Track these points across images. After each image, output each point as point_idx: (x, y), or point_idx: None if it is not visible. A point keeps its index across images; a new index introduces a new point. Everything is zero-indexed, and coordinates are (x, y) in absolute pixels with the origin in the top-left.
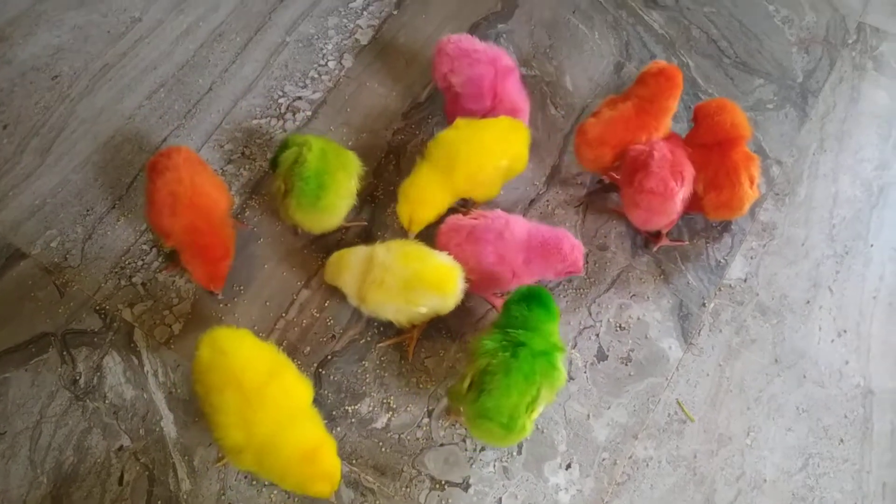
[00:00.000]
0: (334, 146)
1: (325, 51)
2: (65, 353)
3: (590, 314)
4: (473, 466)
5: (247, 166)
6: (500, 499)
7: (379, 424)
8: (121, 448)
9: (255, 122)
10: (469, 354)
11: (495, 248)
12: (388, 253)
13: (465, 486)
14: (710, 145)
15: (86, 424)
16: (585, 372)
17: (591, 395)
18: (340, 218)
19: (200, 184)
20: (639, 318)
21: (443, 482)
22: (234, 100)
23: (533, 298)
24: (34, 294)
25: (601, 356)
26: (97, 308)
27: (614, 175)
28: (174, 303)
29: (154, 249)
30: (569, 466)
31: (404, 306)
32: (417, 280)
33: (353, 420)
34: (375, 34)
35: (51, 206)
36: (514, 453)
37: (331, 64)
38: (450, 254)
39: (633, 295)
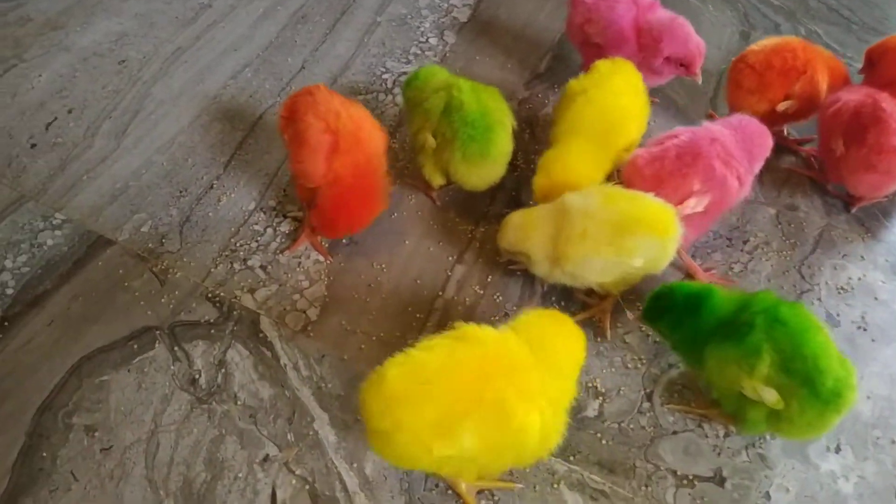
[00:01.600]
0: (479, 84)
1: (422, 28)
2: (176, 348)
3: (803, 277)
4: (722, 456)
5: None
6: (768, 492)
7: (591, 412)
8: (266, 458)
9: (360, 97)
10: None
11: (720, 157)
12: (586, 198)
13: (719, 479)
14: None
15: (216, 432)
16: None
17: None
18: (505, 168)
19: (359, 117)
20: (860, 279)
21: (690, 477)
22: (332, 77)
23: (691, 301)
24: (128, 284)
25: (832, 322)
26: (209, 296)
27: (789, 138)
28: (304, 286)
29: (269, 230)
30: (838, 449)
31: (614, 260)
32: (631, 223)
33: None
34: (473, 11)
35: (135, 189)
36: (767, 437)
37: (432, 41)
38: (662, 192)
39: (844, 255)
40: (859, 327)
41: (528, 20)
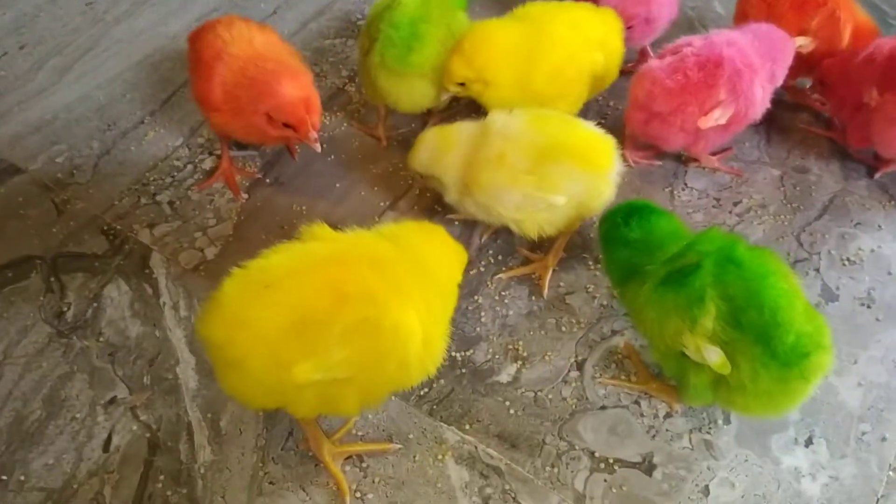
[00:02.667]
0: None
1: None
2: (52, 279)
3: (800, 244)
4: (657, 439)
5: (316, 84)
6: (707, 486)
7: (504, 377)
8: (113, 401)
9: (327, 41)
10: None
11: (742, 61)
12: (510, 117)
13: (647, 466)
14: None
15: (67, 368)
16: None
17: None
18: (433, 94)
19: (267, 42)
20: (873, 251)
21: (610, 461)
22: (303, 22)
23: (641, 209)
24: (23, 212)
25: (829, 296)
26: (105, 228)
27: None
28: (210, 224)
29: (189, 166)
30: (809, 442)
31: (533, 194)
32: (556, 149)
33: (462, 371)
34: None
35: (63, 122)
36: (720, 422)
37: None
38: (687, 106)
39: (858, 223)
40: (863, 304)
41: None
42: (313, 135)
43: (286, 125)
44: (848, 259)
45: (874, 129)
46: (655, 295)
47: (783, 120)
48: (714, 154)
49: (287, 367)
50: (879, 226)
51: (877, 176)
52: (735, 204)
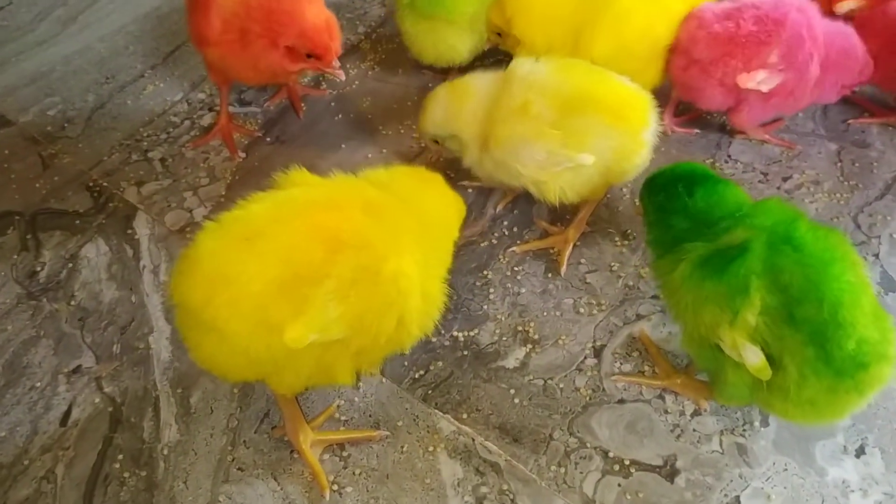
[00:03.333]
0: None
1: None
2: (29, 236)
3: (858, 226)
4: (682, 440)
5: None
6: (738, 498)
7: (510, 362)
8: (77, 370)
9: None
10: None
11: (808, 31)
12: (539, 65)
13: (669, 471)
14: None
15: (33, 332)
16: None
17: None
18: (464, 47)
19: None
20: None
21: (626, 462)
22: None
23: (704, 177)
24: (8, 166)
25: (890, 285)
26: (90, 185)
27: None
28: (202, 183)
29: (187, 122)
30: (861, 452)
31: (557, 151)
32: (586, 101)
33: (465, 353)
34: None
35: (59, 74)
36: (756, 423)
37: None
38: (731, 59)
39: None
40: None
41: None
42: (337, 63)
43: (309, 55)
44: None
45: None
46: (694, 276)
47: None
48: (767, 124)
49: (277, 328)
50: None
51: None
52: (785, 179)
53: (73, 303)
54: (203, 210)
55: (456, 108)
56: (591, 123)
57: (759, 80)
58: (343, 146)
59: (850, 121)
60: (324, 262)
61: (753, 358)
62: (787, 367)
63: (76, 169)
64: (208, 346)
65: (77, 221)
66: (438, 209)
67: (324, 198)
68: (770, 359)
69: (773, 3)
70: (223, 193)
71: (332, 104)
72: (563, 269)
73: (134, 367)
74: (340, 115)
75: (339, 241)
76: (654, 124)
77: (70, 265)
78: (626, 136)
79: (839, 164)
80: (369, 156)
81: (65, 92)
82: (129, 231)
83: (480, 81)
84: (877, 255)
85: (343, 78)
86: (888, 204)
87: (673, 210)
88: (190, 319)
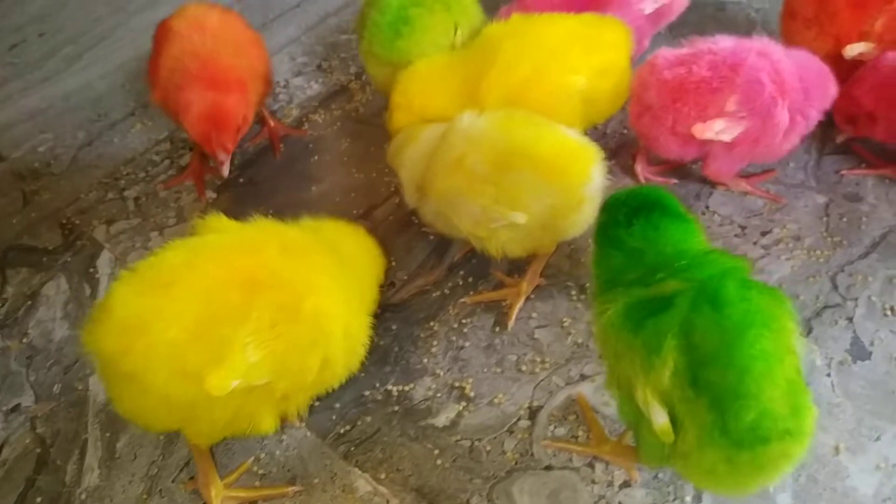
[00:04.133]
0: None
1: None
2: None
3: (835, 287)
4: None
5: (320, 79)
6: None
7: (441, 421)
8: (16, 408)
9: (343, 37)
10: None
11: (770, 75)
12: (481, 118)
13: None
14: None
15: None
16: (829, 375)
17: (840, 414)
18: None
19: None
20: None
21: None
22: (323, 15)
23: (652, 207)
24: None
25: (859, 353)
26: (64, 222)
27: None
28: (169, 223)
29: (167, 161)
30: None
31: (491, 207)
32: (520, 156)
33: (396, 409)
34: None
35: (56, 111)
36: (688, 498)
37: None
38: (683, 107)
39: None
40: None
41: None
42: (221, 156)
43: None
44: (892, 309)
45: None
46: (617, 325)
47: (833, 134)
48: (753, 175)
49: (196, 376)
50: None
51: None
52: (763, 234)
53: (25, 340)
54: None
55: (400, 147)
56: (525, 179)
57: (717, 129)
58: (313, 188)
59: (843, 172)
60: (241, 305)
61: (659, 419)
62: (687, 431)
63: (53, 206)
64: (127, 396)
65: (44, 258)
66: (359, 253)
67: (239, 241)
68: (675, 420)
69: (731, 47)
70: (187, 234)
71: (311, 145)
72: (511, 322)
73: (70, 409)
74: (317, 157)
75: (256, 283)
76: (597, 179)
77: (29, 302)
78: (564, 192)
79: (825, 219)
80: (337, 199)
81: (58, 129)
82: (92, 270)
83: (431, 130)
84: (850, 319)
85: (225, 175)
86: (872, 263)
87: (611, 239)
88: (108, 370)
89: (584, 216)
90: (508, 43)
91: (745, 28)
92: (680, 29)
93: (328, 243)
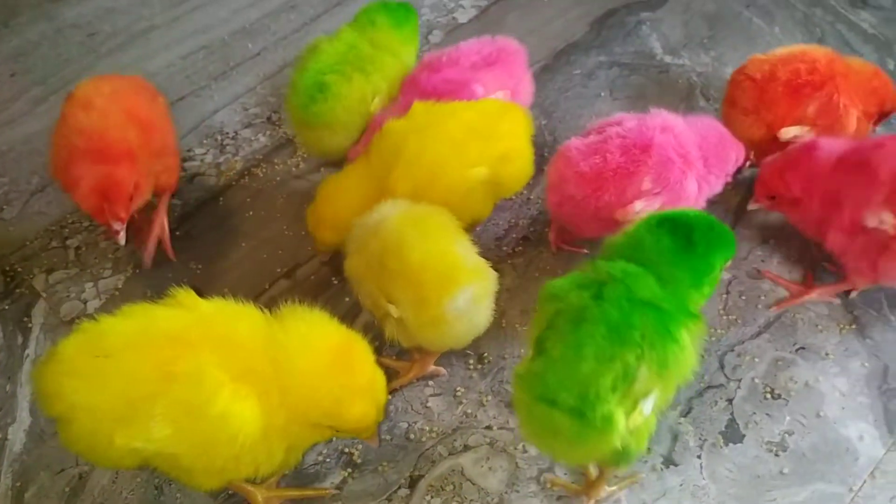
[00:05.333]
0: (387, 43)
1: None
2: None
3: (721, 367)
4: None
5: (267, 132)
6: None
7: (325, 486)
8: None
9: None
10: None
11: (676, 150)
12: (394, 210)
13: None
14: None
15: None
16: (700, 457)
17: (705, 496)
18: (345, 144)
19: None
20: (807, 384)
21: None
22: (281, 65)
23: (680, 226)
24: None
25: (733, 436)
26: (7, 269)
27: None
28: (105, 274)
29: None
30: None
31: (377, 295)
32: (398, 258)
33: (286, 472)
34: (479, 13)
35: (15, 154)
36: None
37: None
38: (604, 195)
39: (801, 348)
40: (771, 450)
41: (536, 27)
42: (116, 226)
43: None
44: (772, 392)
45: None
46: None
47: (754, 215)
48: None
49: (108, 435)
50: (827, 353)
51: (853, 295)
52: None
53: None
54: (97, 302)
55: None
56: (396, 283)
57: (637, 209)
58: (243, 244)
59: (773, 307)
60: (155, 392)
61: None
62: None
63: (0, 252)
64: (63, 434)
65: None
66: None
67: (180, 329)
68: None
69: (637, 127)
70: (119, 287)
71: (249, 199)
72: (396, 384)
73: None
74: (252, 212)
75: (172, 374)
76: (461, 301)
77: None
78: (418, 305)
79: (725, 296)
80: (264, 255)
81: (14, 173)
82: (26, 319)
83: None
84: (730, 401)
85: (121, 243)
86: (762, 344)
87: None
88: (45, 411)
89: (443, 334)
90: (411, 138)
91: (685, 92)
92: (624, 90)
93: (278, 340)
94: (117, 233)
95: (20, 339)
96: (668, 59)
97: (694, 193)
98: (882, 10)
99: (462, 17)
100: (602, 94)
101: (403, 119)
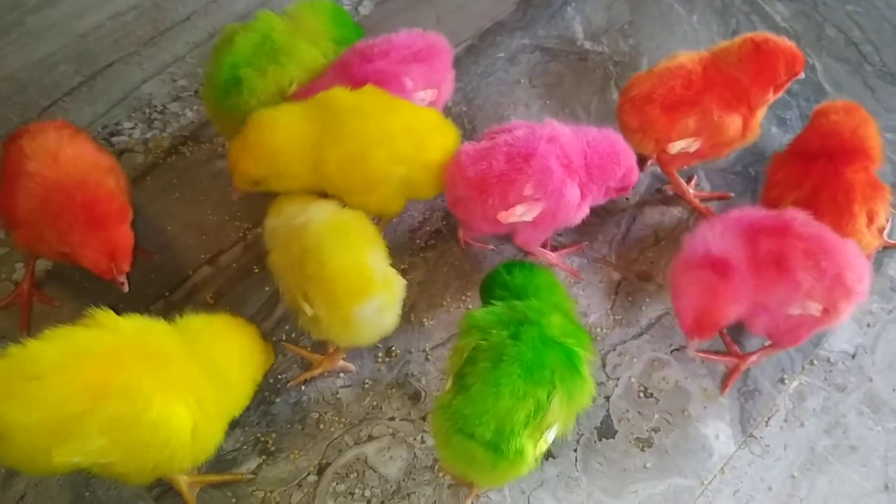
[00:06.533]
0: (306, 30)
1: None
2: None
3: (603, 366)
4: None
5: (195, 107)
6: None
7: (242, 471)
8: None
9: None
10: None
11: (559, 159)
12: (323, 217)
13: None
14: (816, 154)
15: None
16: (576, 450)
17: (576, 487)
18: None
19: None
20: (677, 384)
21: None
22: (211, 32)
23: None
24: None
25: (607, 431)
26: None
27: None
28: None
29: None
30: None
31: (293, 291)
32: (317, 262)
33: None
34: None
35: None
36: None
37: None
38: (489, 198)
39: (676, 349)
40: (639, 445)
41: (464, 3)
42: (120, 279)
43: None
44: (646, 391)
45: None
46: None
47: (651, 216)
48: (563, 247)
49: (45, 452)
50: (701, 359)
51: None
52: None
53: None
54: None
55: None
56: (312, 285)
57: (518, 213)
58: (169, 228)
59: (723, 392)
60: (89, 409)
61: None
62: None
63: None
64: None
65: None
66: (236, 357)
67: (107, 348)
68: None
69: (525, 137)
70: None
71: (175, 181)
72: (299, 382)
73: None
74: (178, 194)
75: (106, 390)
76: (368, 309)
77: None
78: (332, 308)
79: (613, 297)
80: (189, 241)
81: None
82: None
83: (308, 205)
84: (608, 398)
85: (125, 290)
86: (642, 345)
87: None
88: None
89: (351, 334)
90: (356, 116)
91: (600, 83)
92: (542, 77)
93: (202, 347)
94: (123, 284)
95: None
96: (587, 45)
97: (576, 199)
98: (796, 3)
99: None
100: (522, 80)
101: (355, 94)
